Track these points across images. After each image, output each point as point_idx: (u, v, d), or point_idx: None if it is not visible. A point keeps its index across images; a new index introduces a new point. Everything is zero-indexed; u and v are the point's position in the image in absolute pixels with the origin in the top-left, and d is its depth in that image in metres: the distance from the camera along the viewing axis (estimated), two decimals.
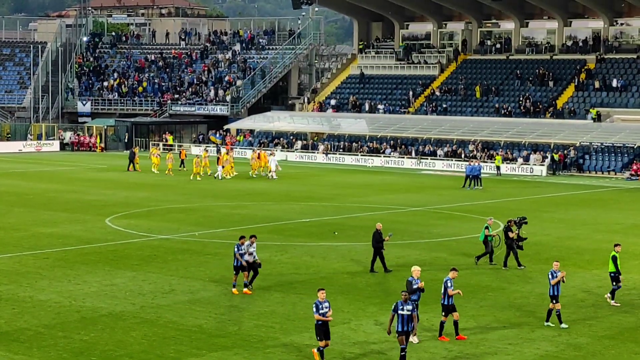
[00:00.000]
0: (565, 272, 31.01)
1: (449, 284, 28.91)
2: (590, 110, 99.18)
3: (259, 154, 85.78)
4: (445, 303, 28.88)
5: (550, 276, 30.41)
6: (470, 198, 68.33)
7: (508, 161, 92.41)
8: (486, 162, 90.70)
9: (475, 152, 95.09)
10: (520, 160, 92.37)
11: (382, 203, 64.03)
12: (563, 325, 30.06)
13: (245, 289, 34.58)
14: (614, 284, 33.58)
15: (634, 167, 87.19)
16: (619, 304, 33.32)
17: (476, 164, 78.60)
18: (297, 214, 57.47)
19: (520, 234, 40.69)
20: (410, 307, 25.53)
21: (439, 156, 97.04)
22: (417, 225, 52.81)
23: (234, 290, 34.68)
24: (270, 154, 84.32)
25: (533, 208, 60.89)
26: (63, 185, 73.21)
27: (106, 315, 31.19)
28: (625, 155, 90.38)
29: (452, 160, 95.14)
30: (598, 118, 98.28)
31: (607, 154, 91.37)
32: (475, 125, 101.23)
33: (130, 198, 64.93)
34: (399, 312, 25.46)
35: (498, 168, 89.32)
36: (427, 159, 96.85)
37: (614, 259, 33.53)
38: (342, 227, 51.71)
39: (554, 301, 30.32)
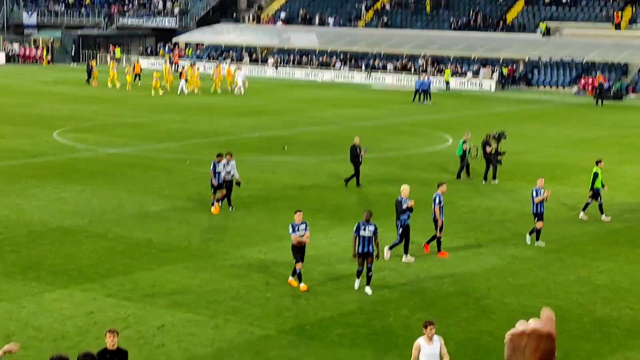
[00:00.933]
0: (550, 190, 30.99)
1: (438, 200, 28.89)
2: (540, 24, 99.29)
3: (224, 68, 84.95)
4: (435, 218, 28.94)
5: (534, 193, 30.26)
6: (420, 112, 68.50)
7: (457, 75, 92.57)
8: (436, 76, 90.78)
9: (425, 67, 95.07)
10: (469, 74, 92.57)
11: (332, 118, 64.01)
12: (540, 243, 30.07)
13: (215, 206, 34.14)
14: (599, 199, 33.83)
15: (582, 82, 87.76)
16: (609, 219, 33.64)
17: (426, 78, 78.67)
18: (247, 128, 57.32)
19: (499, 149, 40.85)
20: (372, 228, 24.99)
21: (389, 70, 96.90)
22: (367, 140, 52.84)
23: (213, 209, 34.12)
24: (237, 69, 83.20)
25: (482, 122, 61.21)
26: (10, 99, 72.28)
27: (55, 230, 31.09)
28: (574, 70, 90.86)
29: (402, 74, 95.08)
30: (547, 32, 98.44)
31: (555, 69, 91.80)
32: (425, 39, 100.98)
33: (79, 112, 64.31)
34: (361, 233, 24.96)
35: (447, 83, 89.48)
36: (377, 72, 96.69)
37: (596, 175, 33.78)
38: (292, 141, 51.70)
39: (537, 219, 30.18)
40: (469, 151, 40.78)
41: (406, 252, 28.23)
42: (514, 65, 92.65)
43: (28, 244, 29.30)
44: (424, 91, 76.22)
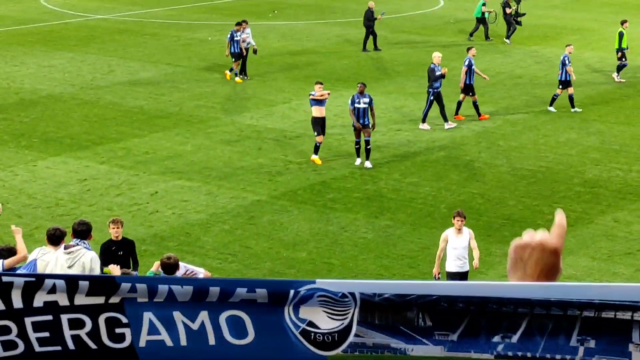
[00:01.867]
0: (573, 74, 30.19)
1: (467, 63, 28.87)
2: None
3: None
4: (468, 82, 28.84)
5: (566, 61, 29.62)
6: None
7: None
8: None
9: None
10: None
11: None
12: (576, 110, 29.60)
13: (236, 78, 33.08)
14: (623, 60, 33.47)
15: None
16: (624, 80, 33.32)
17: None
18: None
19: (519, 10, 40.41)
20: (367, 100, 24.67)
21: None
22: (356, 2, 52.35)
23: (227, 73, 33.32)
24: None
25: None
26: None
27: (46, 97, 31.02)
28: None
29: None
30: None
31: None
32: None
33: None
34: (356, 105, 24.66)
35: None
36: None
37: (621, 35, 33.48)
38: (281, 5, 51.11)
39: (561, 87, 29.59)
40: (488, 14, 40.15)
41: (445, 119, 27.87)
42: None
43: (19, 112, 29.26)
44: None
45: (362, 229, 20.94)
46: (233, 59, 33.24)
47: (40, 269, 13.46)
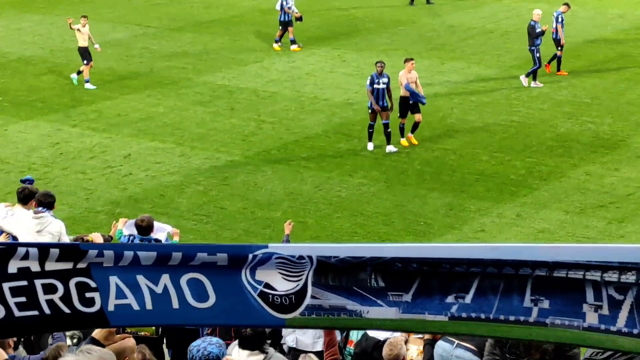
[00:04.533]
0: None
1: (560, 19, 28.74)
2: None
3: None
4: (556, 37, 28.75)
5: None
6: None
7: None
8: None
9: None
10: None
11: None
12: None
13: (294, 46, 31.87)
14: None
15: None
16: None
17: None
18: None
19: None
20: (385, 80, 23.09)
21: None
22: None
23: (296, 47, 31.93)
24: None
25: None
26: None
27: (16, 61, 30.80)
28: None
29: None
30: None
31: None
32: None
33: None
34: (375, 86, 23.10)
35: None
36: None
37: None
38: None
39: None
40: None
41: (535, 77, 27.84)
42: None
43: None
44: None
45: (336, 188, 20.99)
46: (280, 27, 32.05)
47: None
